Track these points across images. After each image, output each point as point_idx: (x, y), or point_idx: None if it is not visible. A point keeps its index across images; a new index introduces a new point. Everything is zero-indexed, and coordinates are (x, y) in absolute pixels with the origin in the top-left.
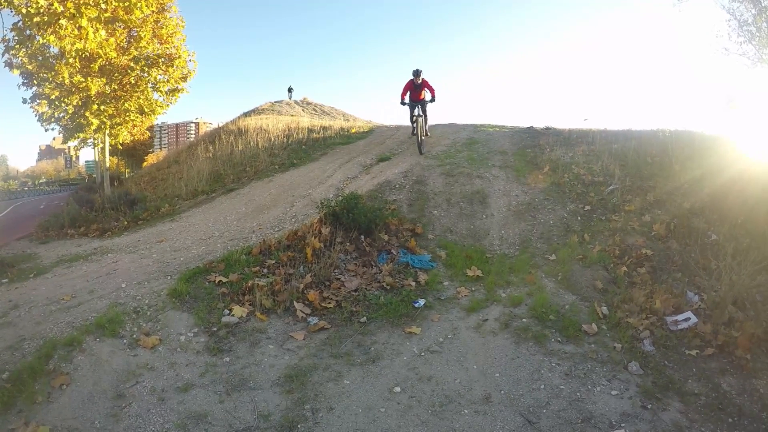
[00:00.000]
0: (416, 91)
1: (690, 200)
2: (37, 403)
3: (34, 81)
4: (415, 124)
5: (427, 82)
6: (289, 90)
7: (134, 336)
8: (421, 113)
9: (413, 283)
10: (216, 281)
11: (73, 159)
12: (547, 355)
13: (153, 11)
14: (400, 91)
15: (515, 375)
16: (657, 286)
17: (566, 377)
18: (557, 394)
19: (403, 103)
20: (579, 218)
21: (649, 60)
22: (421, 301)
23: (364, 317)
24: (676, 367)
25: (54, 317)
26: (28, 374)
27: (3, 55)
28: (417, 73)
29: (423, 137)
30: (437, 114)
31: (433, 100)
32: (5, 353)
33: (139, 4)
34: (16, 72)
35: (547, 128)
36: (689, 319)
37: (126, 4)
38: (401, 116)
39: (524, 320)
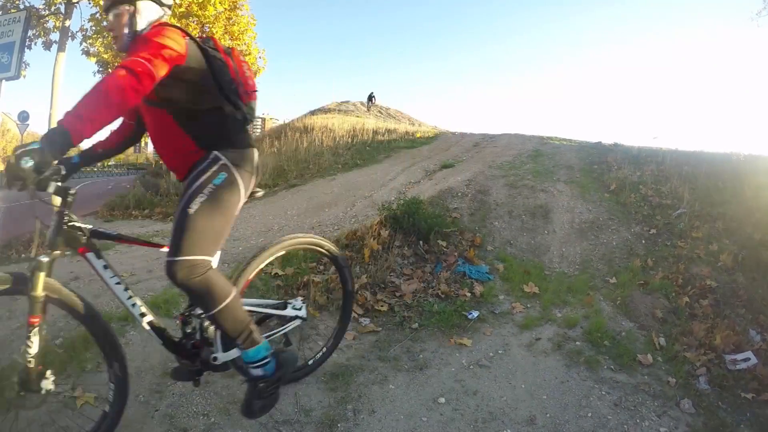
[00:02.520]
0: None
1: (761, 231)
2: (86, 371)
3: (109, 69)
4: None
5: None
6: (370, 98)
7: None
8: None
9: (468, 294)
10: (272, 273)
11: (142, 145)
12: (597, 382)
13: (225, 8)
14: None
15: (563, 399)
16: (719, 321)
17: (615, 407)
18: (604, 425)
19: None
20: (643, 241)
21: (725, 78)
22: (475, 313)
23: (416, 323)
24: (729, 410)
25: None
26: (80, 343)
27: (81, 43)
28: None
29: None
30: (502, 124)
31: None
32: (61, 320)
33: (212, 1)
34: (93, 59)
35: (615, 144)
36: (749, 359)
37: (200, 0)
38: (467, 123)
39: (578, 343)
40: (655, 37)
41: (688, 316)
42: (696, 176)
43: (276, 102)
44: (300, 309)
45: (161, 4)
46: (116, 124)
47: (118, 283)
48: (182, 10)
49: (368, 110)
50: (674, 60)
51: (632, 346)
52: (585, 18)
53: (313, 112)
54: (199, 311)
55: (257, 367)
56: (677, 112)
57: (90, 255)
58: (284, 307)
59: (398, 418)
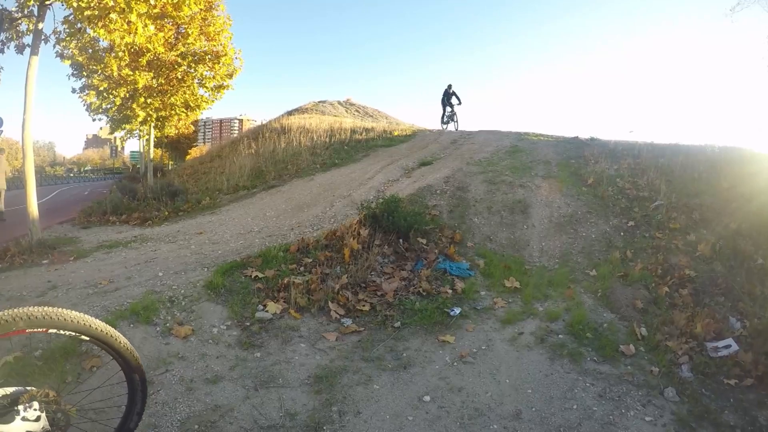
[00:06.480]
0: None
1: (737, 221)
2: (67, 383)
3: (84, 72)
4: None
5: None
6: (447, 98)
7: (167, 325)
8: None
9: (450, 291)
10: (252, 276)
11: (119, 149)
12: (581, 374)
13: (201, 9)
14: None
15: (548, 392)
16: (699, 310)
17: (600, 399)
18: (589, 416)
19: None
20: (622, 234)
21: (699, 73)
22: (457, 310)
23: (398, 322)
24: (713, 396)
25: (90, 300)
26: (60, 354)
27: (54, 46)
28: None
29: None
30: (481, 120)
31: None
32: (39, 332)
33: (187, 2)
34: (67, 62)
35: (592, 139)
36: (730, 346)
37: (175, 1)
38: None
39: (560, 336)
40: (631, 32)
41: (668, 305)
42: (672, 168)
43: (253, 103)
44: (37, 419)
45: None
46: (91, 131)
47: None
48: (157, 11)
49: (447, 122)
50: (649, 54)
51: (614, 337)
52: (559, 18)
53: (290, 113)
54: None
55: None
56: (653, 106)
57: None
58: (7, 419)
59: (384, 418)
